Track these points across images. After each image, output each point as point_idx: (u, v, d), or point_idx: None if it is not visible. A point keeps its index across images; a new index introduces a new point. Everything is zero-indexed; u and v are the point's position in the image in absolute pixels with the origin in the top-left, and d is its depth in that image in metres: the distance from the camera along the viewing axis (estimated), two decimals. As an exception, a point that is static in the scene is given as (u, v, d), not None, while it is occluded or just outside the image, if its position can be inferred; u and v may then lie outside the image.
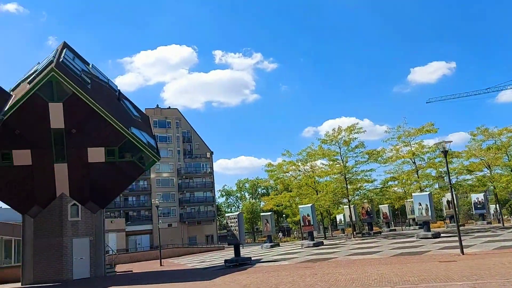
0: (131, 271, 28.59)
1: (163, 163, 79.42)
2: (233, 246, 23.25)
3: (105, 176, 22.86)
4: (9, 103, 20.63)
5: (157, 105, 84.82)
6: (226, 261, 22.86)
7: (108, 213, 74.69)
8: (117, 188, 24.15)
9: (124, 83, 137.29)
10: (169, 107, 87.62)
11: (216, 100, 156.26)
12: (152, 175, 78.39)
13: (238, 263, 21.86)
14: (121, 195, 76.63)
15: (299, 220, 36.15)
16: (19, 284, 22.28)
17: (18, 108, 20.06)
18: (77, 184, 22.51)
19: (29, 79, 21.90)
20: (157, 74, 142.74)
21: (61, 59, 22.00)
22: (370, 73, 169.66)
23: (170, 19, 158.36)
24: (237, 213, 23.13)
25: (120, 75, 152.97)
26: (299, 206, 33.50)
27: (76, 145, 21.68)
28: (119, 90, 26.38)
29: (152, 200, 76.33)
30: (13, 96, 21.94)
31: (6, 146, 20.64)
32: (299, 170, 40.95)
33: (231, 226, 22.65)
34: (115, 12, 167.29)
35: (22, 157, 21.02)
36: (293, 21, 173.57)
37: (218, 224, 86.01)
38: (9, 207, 23.89)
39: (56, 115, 20.75)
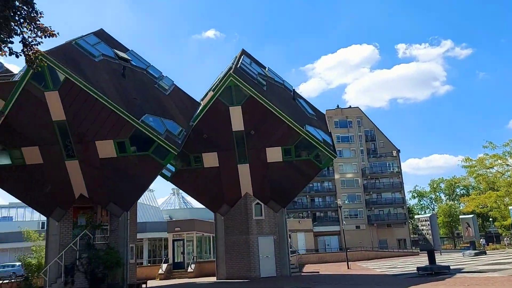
0: (318, 272, 28.09)
1: (346, 163, 78.14)
2: (426, 252, 20.38)
3: (283, 175, 22.88)
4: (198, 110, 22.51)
5: (338, 105, 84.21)
6: (419, 268, 20.16)
7: (297, 213, 77.30)
8: (296, 187, 23.95)
9: (307, 89, 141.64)
10: (350, 106, 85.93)
11: (401, 96, 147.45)
12: (336, 176, 77.80)
13: (433, 272, 18.96)
14: (307, 196, 78.53)
15: (511, 224, 30.05)
16: (214, 278, 24.04)
17: (204, 114, 21.65)
18: (259, 184, 23.13)
19: (213, 87, 23.58)
20: (338, 76, 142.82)
21: (238, 65, 23.02)
22: None
23: (348, 21, 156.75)
24: (428, 214, 20.21)
25: (303, 82, 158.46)
26: (510, 208, 27.77)
27: (255, 145, 22.27)
28: (293, 89, 26.34)
29: (337, 200, 76.21)
30: (201, 104, 23.93)
31: (197, 150, 22.50)
32: (507, 165, 34.30)
33: (423, 229, 19.87)
34: (296, 24, 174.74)
35: (210, 159, 22.62)
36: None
37: (410, 227, 79.82)
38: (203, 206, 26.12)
39: (236, 118, 21.66)
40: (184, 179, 23.61)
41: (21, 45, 7.14)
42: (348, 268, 30.32)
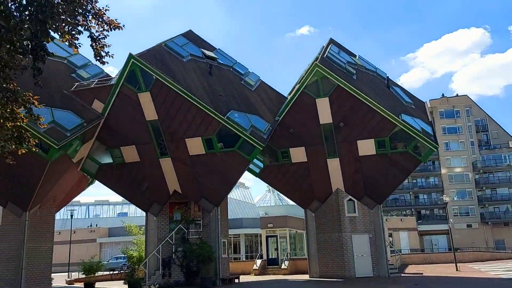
0: (421, 273, 25.94)
1: (454, 157, 71.82)
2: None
3: (378, 169, 21.42)
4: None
5: (443, 94, 77.80)
6: (542, 274, 17.41)
7: (399, 211, 73.11)
8: (392, 182, 22.21)
9: (408, 80, 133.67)
10: (457, 95, 78.85)
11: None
12: (443, 171, 71.88)
13: (561, 279, 16.19)
14: (410, 193, 73.86)
15: None
16: (307, 276, 23.40)
17: (290, 108, 21.10)
18: (350, 179, 21.96)
19: (299, 80, 22.96)
20: (444, 64, 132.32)
21: (325, 55, 22.10)
22: None
23: (452, 4, 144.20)
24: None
25: (404, 73, 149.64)
26: None
27: (345, 139, 21.15)
28: (387, 76, 24.56)
29: (443, 197, 70.31)
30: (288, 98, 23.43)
31: (284, 145, 22.04)
32: None
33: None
34: (394, 12, 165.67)
35: (298, 154, 22.00)
36: None
37: (533, 227, 70.74)
38: (294, 203, 25.63)
39: (324, 110, 20.76)
40: (272, 175, 23.33)
41: (88, 39, 7.43)
42: (456, 270, 27.54)
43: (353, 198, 22.31)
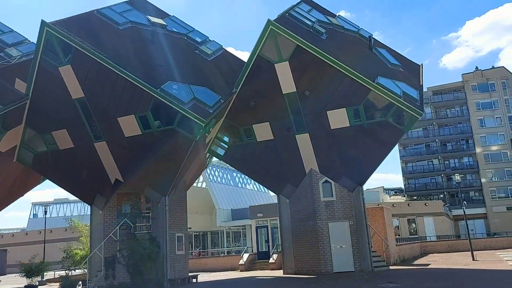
0: (428, 265, 22.16)
1: (490, 134, 65.54)
2: None
3: (354, 144, 17.89)
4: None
5: (476, 67, 71.15)
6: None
7: (431, 195, 67.83)
8: (374, 158, 18.42)
9: (452, 60, 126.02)
10: (492, 67, 71.81)
11: None
12: (478, 150, 65.70)
13: None
14: (442, 175, 68.23)
15: None
16: (281, 273, 20.22)
17: (247, 77, 17.87)
18: (324, 157, 18.53)
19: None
20: (490, 41, 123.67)
21: (288, 13, 18.69)
22: None
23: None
24: None
25: (447, 53, 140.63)
26: None
27: (313, 110, 17.74)
28: (370, 36, 20.69)
29: (480, 178, 64.45)
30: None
31: (246, 121, 18.90)
32: None
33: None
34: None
35: (263, 131, 18.79)
36: None
37: None
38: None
39: (285, 78, 17.42)
40: (238, 157, 20.15)
41: None
42: (473, 259, 23.43)
43: (329, 180, 18.86)
